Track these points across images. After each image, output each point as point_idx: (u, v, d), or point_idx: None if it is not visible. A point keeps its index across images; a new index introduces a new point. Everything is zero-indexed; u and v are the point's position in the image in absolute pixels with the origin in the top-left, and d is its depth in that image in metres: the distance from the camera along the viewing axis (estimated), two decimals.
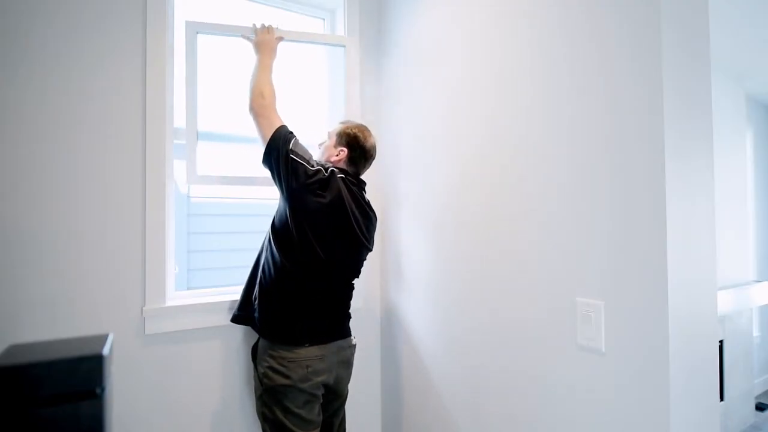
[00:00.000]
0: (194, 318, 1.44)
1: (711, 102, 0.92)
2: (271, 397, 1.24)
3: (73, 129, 1.28)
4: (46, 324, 1.23)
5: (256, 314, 1.31)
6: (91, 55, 1.31)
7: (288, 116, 1.35)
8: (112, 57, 1.34)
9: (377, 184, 1.77)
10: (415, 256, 1.60)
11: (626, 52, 0.88)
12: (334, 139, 1.39)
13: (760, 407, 3.12)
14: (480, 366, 1.28)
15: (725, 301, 2.59)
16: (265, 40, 1.42)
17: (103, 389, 0.34)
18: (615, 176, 0.90)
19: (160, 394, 1.38)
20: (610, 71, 0.91)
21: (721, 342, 2.71)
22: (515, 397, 1.15)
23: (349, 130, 1.38)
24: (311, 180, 1.23)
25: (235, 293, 1.58)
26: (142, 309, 1.36)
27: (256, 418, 1.54)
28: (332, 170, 1.30)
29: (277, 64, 1.43)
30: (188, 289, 2.23)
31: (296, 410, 1.23)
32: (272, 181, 1.29)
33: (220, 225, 2.55)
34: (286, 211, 1.25)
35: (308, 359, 1.25)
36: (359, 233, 1.32)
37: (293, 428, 1.22)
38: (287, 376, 1.23)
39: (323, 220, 1.25)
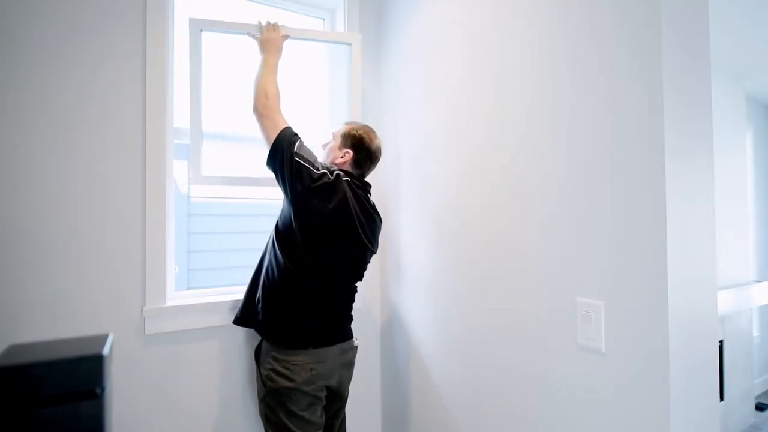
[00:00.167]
0: (194, 318, 1.44)
1: (711, 102, 0.92)
2: (275, 400, 1.24)
3: (73, 129, 1.28)
4: (46, 324, 1.23)
5: (260, 317, 1.30)
6: (91, 54, 1.31)
7: (291, 116, 1.34)
8: (112, 56, 1.34)
9: (377, 183, 1.77)
10: (414, 256, 1.60)
11: (626, 52, 0.88)
12: (338, 140, 1.37)
13: (760, 407, 3.12)
14: (480, 366, 1.28)
15: (725, 301, 2.59)
16: (270, 38, 1.39)
17: (103, 389, 0.34)
18: (615, 176, 0.90)
19: (160, 394, 1.38)
20: (610, 71, 0.91)
21: (721, 342, 2.71)
22: (515, 397, 1.15)
23: (354, 132, 1.37)
24: (316, 184, 1.21)
25: (235, 293, 1.58)
26: (142, 309, 1.36)
27: (256, 418, 1.54)
28: (337, 174, 1.28)
29: (281, 63, 1.40)
30: (188, 289, 2.23)
31: (300, 413, 1.22)
32: (276, 182, 1.28)
33: (220, 225, 2.55)
34: (290, 214, 1.24)
35: (312, 362, 1.25)
36: (363, 237, 1.31)
37: (296, 430, 1.21)
38: (291, 379, 1.22)
39: (328, 224, 1.24)
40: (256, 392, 1.55)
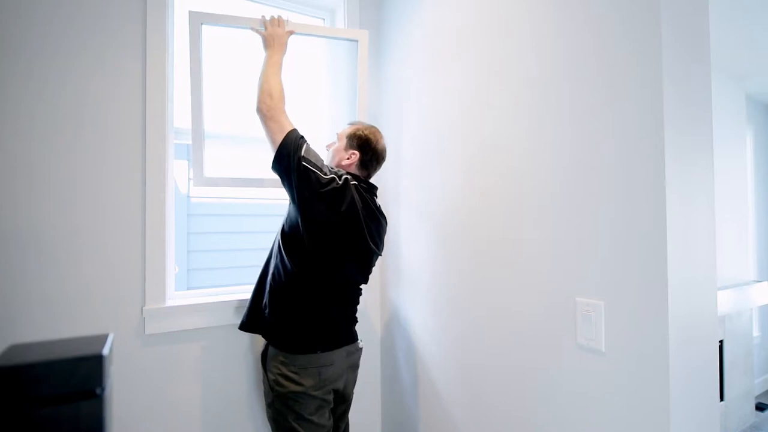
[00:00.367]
0: (194, 318, 1.44)
1: (711, 102, 0.92)
2: (283, 404, 1.22)
3: (72, 129, 1.28)
4: (46, 324, 1.23)
5: (267, 322, 1.28)
6: (91, 53, 1.31)
7: (293, 116, 1.29)
8: (112, 56, 1.34)
9: (377, 183, 1.77)
10: (414, 256, 1.60)
11: (626, 52, 0.88)
12: (344, 141, 1.35)
13: (760, 407, 3.12)
14: (480, 366, 1.28)
15: (725, 301, 2.58)
16: (275, 34, 1.34)
17: (103, 389, 0.34)
18: (615, 176, 0.90)
19: (160, 394, 1.38)
20: (610, 71, 0.91)
21: (721, 342, 2.71)
22: (515, 397, 1.15)
23: (360, 132, 1.34)
24: (324, 189, 1.18)
25: (236, 293, 1.58)
26: (142, 309, 1.36)
27: (257, 418, 1.54)
28: (345, 178, 1.25)
29: (286, 60, 1.36)
30: (188, 289, 2.23)
31: (309, 417, 1.21)
32: (281, 183, 1.25)
33: (220, 225, 2.55)
34: (297, 218, 1.21)
35: (320, 366, 1.24)
36: (370, 242, 1.30)
37: None
38: (299, 383, 1.21)
39: (336, 230, 1.22)
40: (256, 392, 1.55)
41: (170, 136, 1.44)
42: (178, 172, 1.51)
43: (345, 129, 1.38)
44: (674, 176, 0.83)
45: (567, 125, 1.01)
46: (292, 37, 1.41)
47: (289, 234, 1.25)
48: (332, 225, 1.21)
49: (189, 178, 2.45)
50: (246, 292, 1.59)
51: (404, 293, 1.67)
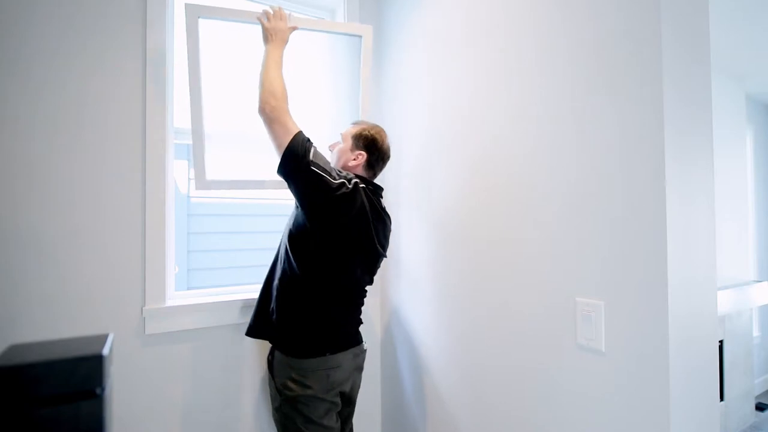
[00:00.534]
0: (194, 318, 1.44)
1: (711, 102, 0.92)
2: (292, 408, 1.21)
3: (72, 128, 1.28)
4: (46, 324, 1.23)
5: (275, 327, 1.26)
6: (91, 53, 1.31)
7: (294, 115, 1.23)
8: (112, 56, 1.33)
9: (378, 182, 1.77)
10: (415, 256, 1.60)
11: (627, 52, 0.88)
12: (349, 141, 1.32)
13: (760, 407, 3.12)
14: (480, 366, 1.28)
15: (725, 301, 2.58)
16: (278, 27, 1.28)
17: (103, 389, 0.34)
18: (615, 176, 0.90)
19: (160, 394, 1.38)
20: (610, 71, 0.91)
21: (721, 342, 2.71)
22: (515, 397, 1.15)
23: (366, 133, 1.31)
24: (335, 194, 1.15)
25: (236, 293, 1.58)
26: (142, 309, 1.36)
27: (257, 418, 1.54)
28: (355, 182, 1.22)
29: (285, 57, 1.29)
30: (188, 289, 2.23)
31: (318, 420, 1.20)
32: (284, 185, 1.22)
33: (220, 225, 2.55)
34: (305, 223, 1.19)
35: (328, 368, 1.23)
36: (378, 245, 1.29)
37: None
38: (308, 386, 1.20)
39: (345, 235, 1.20)
40: (256, 392, 1.55)
41: (170, 136, 1.44)
42: (178, 172, 1.50)
43: (349, 129, 1.35)
44: (674, 176, 0.83)
45: (567, 125, 1.01)
46: (295, 32, 1.35)
47: (296, 238, 1.22)
48: (342, 228, 1.19)
49: (189, 178, 2.45)
50: (246, 292, 1.59)
51: (404, 293, 1.67)
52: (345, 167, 1.31)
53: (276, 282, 1.28)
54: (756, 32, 2.34)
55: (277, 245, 1.35)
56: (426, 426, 1.53)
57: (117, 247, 1.33)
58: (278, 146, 1.17)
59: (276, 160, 1.19)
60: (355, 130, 1.33)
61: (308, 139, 1.19)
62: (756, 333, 3.44)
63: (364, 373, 1.76)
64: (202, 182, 1.37)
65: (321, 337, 1.24)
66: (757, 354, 3.42)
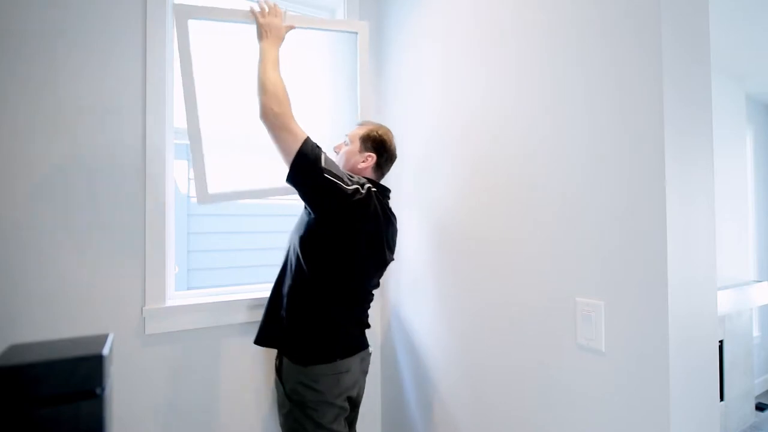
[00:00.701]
0: (194, 318, 1.44)
1: (711, 102, 0.92)
2: (302, 413, 1.19)
3: (72, 128, 1.28)
4: (46, 324, 1.23)
5: (286, 334, 1.23)
6: (91, 53, 1.31)
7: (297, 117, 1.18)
8: (112, 55, 1.34)
9: None
10: (415, 256, 1.60)
11: (626, 52, 0.88)
12: (357, 143, 1.29)
13: (760, 407, 3.12)
14: (480, 366, 1.28)
15: (725, 301, 2.58)
16: (273, 24, 1.23)
17: (103, 389, 0.34)
18: (615, 176, 0.90)
19: (160, 394, 1.38)
20: (610, 71, 0.91)
21: (721, 342, 2.71)
22: (515, 397, 1.15)
23: (374, 134, 1.29)
24: (349, 201, 1.13)
25: (236, 293, 1.58)
26: (142, 309, 1.36)
27: (257, 418, 1.54)
28: (368, 187, 1.20)
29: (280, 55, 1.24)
30: (188, 289, 2.23)
31: (328, 425, 1.19)
32: (291, 192, 1.20)
33: (220, 225, 2.55)
34: (317, 229, 1.17)
35: (338, 373, 1.21)
36: (387, 249, 1.29)
37: None
38: (318, 391, 1.19)
39: (358, 241, 1.19)
40: (256, 392, 1.55)
41: (170, 136, 1.44)
42: (178, 172, 1.50)
43: (356, 130, 1.32)
44: (674, 176, 0.83)
45: (567, 125, 1.01)
46: (291, 31, 1.31)
47: (308, 244, 1.20)
48: (356, 234, 1.18)
49: (189, 178, 2.45)
50: (246, 292, 1.60)
51: (404, 293, 1.67)
52: (353, 170, 1.29)
53: (287, 289, 1.25)
54: (756, 32, 2.34)
55: (285, 251, 1.31)
56: (426, 426, 1.53)
57: (117, 247, 1.33)
58: (286, 154, 1.13)
59: (282, 166, 1.15)
60: (362, 131, 1.30)
61: (317, 146, 1.15)
62: (756, 333, 3.44)
63: None
64: (204, 196, 1.28)
65: (333, 342, 1.22)
66: (757, 354, 3.42)
